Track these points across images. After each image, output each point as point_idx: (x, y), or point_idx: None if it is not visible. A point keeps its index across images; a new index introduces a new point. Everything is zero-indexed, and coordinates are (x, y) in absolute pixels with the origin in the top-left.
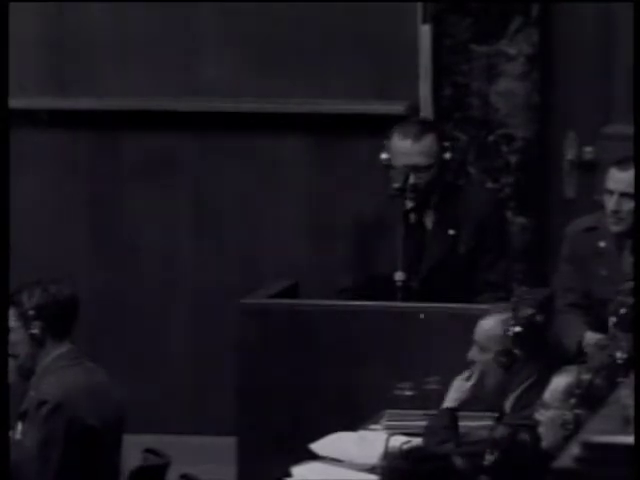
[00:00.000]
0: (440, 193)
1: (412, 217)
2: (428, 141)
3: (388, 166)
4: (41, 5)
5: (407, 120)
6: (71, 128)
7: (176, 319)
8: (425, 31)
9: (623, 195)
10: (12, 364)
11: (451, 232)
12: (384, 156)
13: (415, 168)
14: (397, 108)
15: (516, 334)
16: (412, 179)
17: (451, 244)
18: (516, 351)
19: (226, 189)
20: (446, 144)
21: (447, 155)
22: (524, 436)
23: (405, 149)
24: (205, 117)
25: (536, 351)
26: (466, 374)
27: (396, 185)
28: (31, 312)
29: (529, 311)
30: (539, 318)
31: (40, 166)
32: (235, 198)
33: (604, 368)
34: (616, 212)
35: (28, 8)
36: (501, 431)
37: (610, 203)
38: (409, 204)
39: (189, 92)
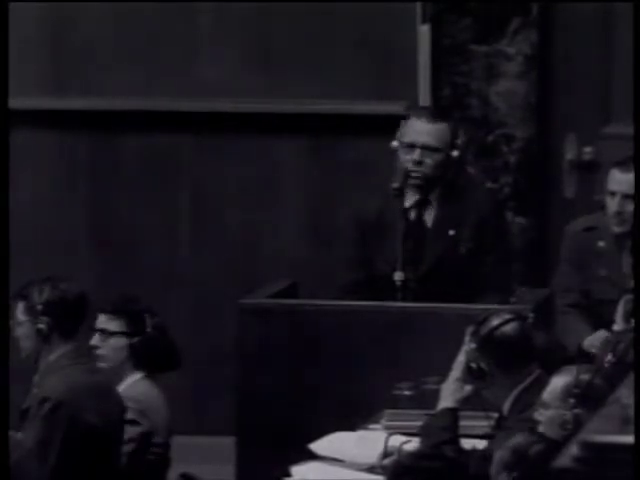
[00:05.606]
0: (441, 191)
1: (412, 214)
2: (442, 127)
3: (395, 152)
4: (41, 5)
5: (427, 106)
6: (71, 128)
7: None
8: (424, 31)
9: (626, 196)
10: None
11: (451, 232)
12: (394, 143)
13: (424, 147)
14: (396, 108)
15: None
16: (417, 155)
17: (451, 244)
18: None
19: (226, 189)
20: (458, 141)
21: (455, 153)
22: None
23: (418, 127)
24: (205, 117)
25: (535, 352)
26: (455, 375)
27: (396, 185)
28: (39, 307)
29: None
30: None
31: (40, 166)
32: (235, 198)
33: (604, 368)
34: (619, 213)
35: (28, 8)
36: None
37: (613, 205)
38: (410, 199)
39: (189, 92)
